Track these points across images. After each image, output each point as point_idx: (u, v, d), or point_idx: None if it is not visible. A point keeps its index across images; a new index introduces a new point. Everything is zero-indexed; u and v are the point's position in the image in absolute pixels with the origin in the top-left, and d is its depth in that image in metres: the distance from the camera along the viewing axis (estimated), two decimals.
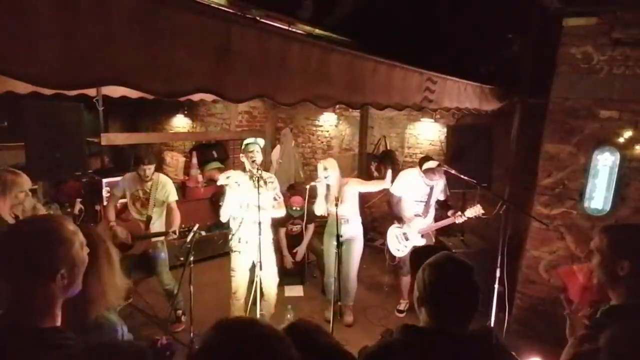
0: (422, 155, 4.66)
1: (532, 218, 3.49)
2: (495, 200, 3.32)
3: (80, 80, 1.20)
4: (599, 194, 3.26)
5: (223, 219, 3.27)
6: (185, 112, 7.68)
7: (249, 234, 3.14)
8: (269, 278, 3.31)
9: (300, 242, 4.52)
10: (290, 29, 3.23)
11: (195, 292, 3.04)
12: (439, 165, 3.51)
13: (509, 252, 3.23)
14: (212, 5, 2.54)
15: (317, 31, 3.69)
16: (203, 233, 3.15)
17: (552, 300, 3.46)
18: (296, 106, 2.44)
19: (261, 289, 3.18)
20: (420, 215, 3.74)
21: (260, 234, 2.99)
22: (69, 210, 4.21)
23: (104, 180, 4.47)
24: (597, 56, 3.20)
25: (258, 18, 2.73)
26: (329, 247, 3.57)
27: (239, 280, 3.31)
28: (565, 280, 2.64)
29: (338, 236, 3.25)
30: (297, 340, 0.86)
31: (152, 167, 3.48)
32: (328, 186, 3.56)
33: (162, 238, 3.54)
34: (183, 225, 3.28)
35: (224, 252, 4.32)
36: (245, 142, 3.22)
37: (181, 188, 5.60)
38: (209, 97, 5.22)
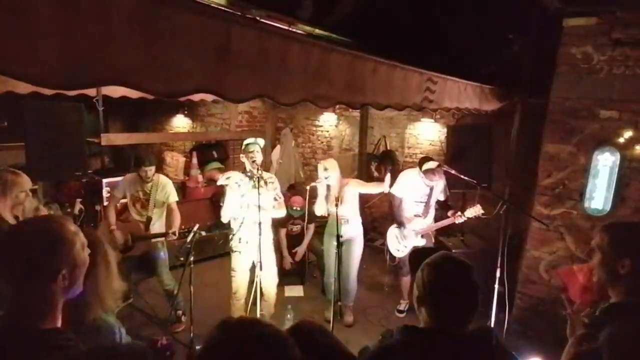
0: (422, 156, 4.68)
1: (532, 218, 3.48)
2: (495, 200, 3.32)
3: (80, 80, 1.20)
4: (599, 194, 3.26)
5: (224, 219, 3.27)
6: (185, 112, 7.68)
7: (249, 234, 3.14)
8: (269, 278, 3.32)
9: (301, 242, 4.53)
10: (290, 29, 3.22)
11: (195, 293, 3.03)
12: (438, 166, 3.51)
13: (509, 252, 3.23)
14: (212, 5, 2.54)
15: (317, 31, 3.68)
16: (203, 233, 3.15)
17: (552, 300, 3.45)
18: (296, 106, 2.44)
19: (261, 289, 3.19)
20: (420, 216, 3.74)
21: (260, 234, 2.99)
22: (69, 210, 4.21)
23: (104, 181, 4.47)
24: (597, 56, 3.20)
25: (258, 18, 2.73)
26: (329, 248, 3.58)
27: (239, 281, 3.31)
28: (566, 280, 2.63)
29: (338, 236, 3.25)
30: (301, 340, 0.86)
31: (153, 168, 3.48)
32: (328, 186, 3.56)
33: (162, 238, 3.54)
34: (183, 227, 3.28)
35: (224, 252, 4.33)
36: (245, 142, 3.22)
37: (181, 188, 5.61)
38: (209, 97, 5.22)
